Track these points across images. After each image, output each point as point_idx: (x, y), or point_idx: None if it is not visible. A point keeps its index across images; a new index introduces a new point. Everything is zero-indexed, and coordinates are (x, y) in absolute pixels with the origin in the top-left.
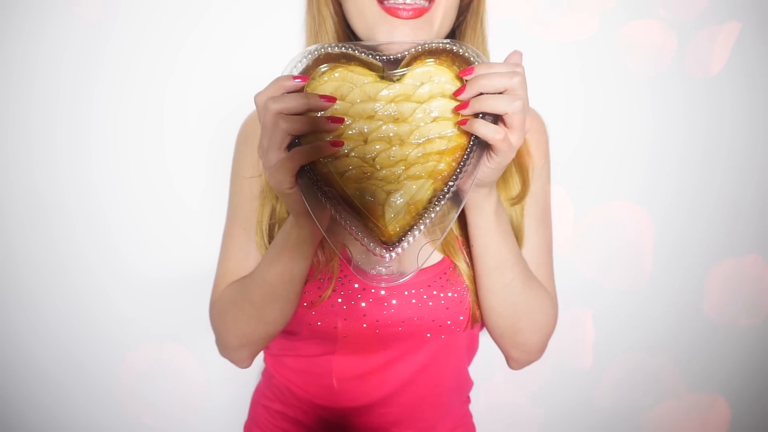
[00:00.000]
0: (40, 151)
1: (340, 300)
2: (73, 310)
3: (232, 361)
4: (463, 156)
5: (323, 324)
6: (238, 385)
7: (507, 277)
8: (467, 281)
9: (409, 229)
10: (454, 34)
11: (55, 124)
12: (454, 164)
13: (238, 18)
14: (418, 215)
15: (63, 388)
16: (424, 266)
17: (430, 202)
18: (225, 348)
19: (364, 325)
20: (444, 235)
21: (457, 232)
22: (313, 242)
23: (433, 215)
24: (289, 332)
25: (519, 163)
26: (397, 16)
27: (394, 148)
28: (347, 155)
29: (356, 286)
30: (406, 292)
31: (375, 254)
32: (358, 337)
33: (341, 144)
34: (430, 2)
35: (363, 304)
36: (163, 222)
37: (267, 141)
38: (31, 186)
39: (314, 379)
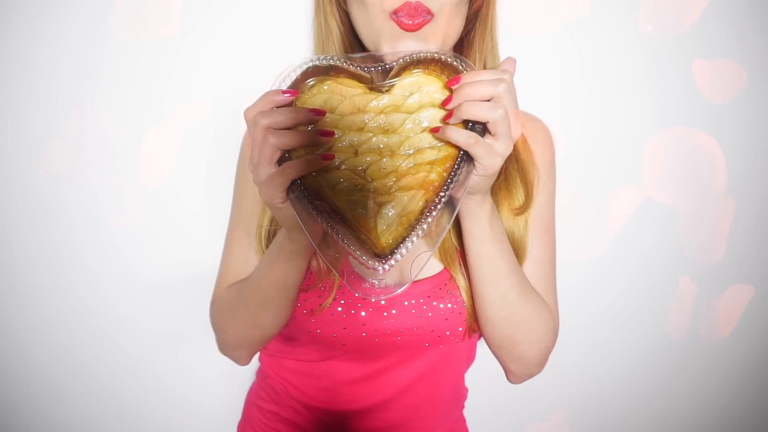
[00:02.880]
0: (40, 151)
1: (340, 309)
2: (73, 310)
3: (231, 358)
4: (454, 165)
5: (323, 332)
6: (233, 385)
7: (502, 287)
8: (463, 294)
9: (402, 240)
10: (462, 42)
11: (55, 124)
12: (445, 174)
13: (239, 18)
14: (410, 226)
15: (63, 388)
16: (425, 277)
17: (422, 212)
18: (224, 346)
19: (364, 334)
20: (437, 246)
21: (456, 242)
22: (306, 255)
23: (425, 226)
24: (287, 337)
25: (523, 175)
26: (404, 27)
27: (384, 160)
28: (338, 168)
29: (356, 295)
30: (405, 303)
31: (368, 267)
32: (357, 345)
33: (332, 157)
34: (430, 14)
35: (363, 314)
36: (162, 222)
37: (257, 156)
38: (31, 186)
39: (311, 381)
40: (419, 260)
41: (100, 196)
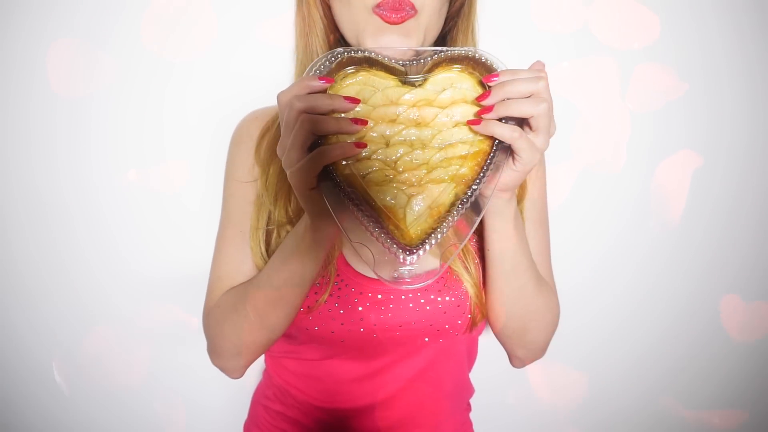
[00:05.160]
0: (40, 151)
1: (336, 304)
2: (73, 310)
3: (224, 370)
4: (486, 161)
5: (320, 329)
6: (237, 385)
7: (521, 280)
8: (468, 287)
9: (432, 232)
10: (444, 39)
11: (55, 124)
12: (476, 168)
13: (239, 18)
14: (440, 219)
15: (63, 388)
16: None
17: (452, 205)
18: (219, 356)
19: (362, 330)
20: (466, 239)
21: (453, 239)
22: (327, 245)
23: (456, 218)
24: (288, 336)
25: None
26: (387, 20)
27: (416, 152)
28: (369, 158)
29: (353, 290)
30: (403, 297)
31: (396, 257)
32: (355, 342)
33: (365, 145)
34: (414, 10)
35: (360, 308)
36: (162, 222)
37: (290, 140)
38: (31, 186)
39: (313, 382)
40: (451, 251)
41: (100, 196)
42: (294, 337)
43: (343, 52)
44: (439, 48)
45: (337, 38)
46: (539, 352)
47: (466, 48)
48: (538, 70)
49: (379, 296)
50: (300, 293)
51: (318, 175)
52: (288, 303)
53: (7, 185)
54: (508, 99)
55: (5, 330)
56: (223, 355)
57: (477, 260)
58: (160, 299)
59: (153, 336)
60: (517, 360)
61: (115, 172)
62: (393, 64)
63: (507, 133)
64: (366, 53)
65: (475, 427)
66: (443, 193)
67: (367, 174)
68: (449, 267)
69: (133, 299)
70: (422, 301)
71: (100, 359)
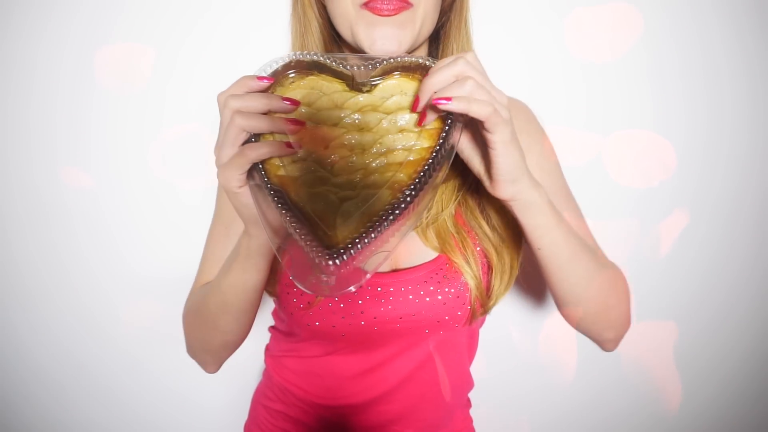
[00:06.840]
0: (40, 151)
1: (336, 298)
2: (73, 310)
3: (198, 363)
4: (423, 168)
5: (321, 324)
6: (238, 385)
7: (584, 261)
8: (468, 278)
9: (357, 237)
10: (438, 34)
11: (55, 124)
12: (414, 175)
13: (239, 17)
14: (370, 224)
15: (63, 388)
16: (419, 263)
17: (384, 212)
18: (190, 349)
19: (362, 323)
20: (396, 245)
21: (453, 229)
22: (266, 254)
23: (386, 224)
24: (288, 334)
25: None
26: (379, 14)
27: (354, 156)
28: (304, 159)
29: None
30: (402, 288)
31: (317, 262)
32: (356, 335)
33: (298, 146)
34: (407, 3)
35: (360, 302)
36: (162, 222)
37: (222, 138)
38: (31, 186)
39: (315, 379)
40: (379, 256)
41: (99, 196)
42: (295, 335)
43: (293, 56)
44: (391, 57)
45: (333, 36)
46: (626, 323)
47: (418, 56)
48: (459, 53)
49: (379, 289)
50: (246, 300)
51: (249, 176)
52: (235, 308)
53: (7, 185)
54: (436, 92)
55: (5, 330)
56: (192, 349)
57: (477, 253)
58: (160, 299)
59: (153, 336)
60: (609, 342)
61: (115, 172)
62: (341, 69)
63: (477, 108)
64: (315, 57)
65: (474, 423)
66: (377, 199)
67: (300, 176)
68: (447, 258)
69: (133, 299)
70: (422, 292)
71: (100, 359)
